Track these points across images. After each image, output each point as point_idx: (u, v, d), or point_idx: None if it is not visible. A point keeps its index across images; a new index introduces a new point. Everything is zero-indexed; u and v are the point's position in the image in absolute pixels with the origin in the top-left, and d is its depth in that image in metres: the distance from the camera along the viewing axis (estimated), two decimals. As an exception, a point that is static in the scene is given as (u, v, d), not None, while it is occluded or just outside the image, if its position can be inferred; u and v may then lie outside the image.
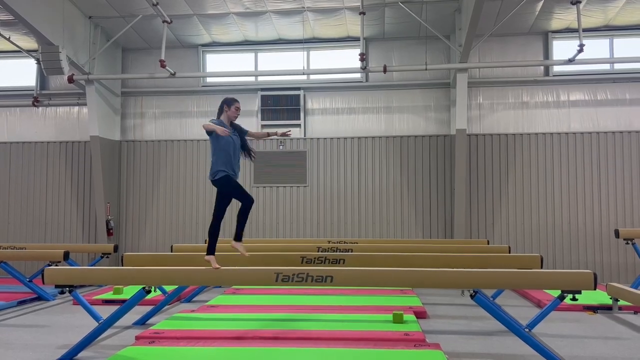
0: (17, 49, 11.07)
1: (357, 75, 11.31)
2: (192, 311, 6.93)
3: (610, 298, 7.25)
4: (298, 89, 11.43)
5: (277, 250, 7.19)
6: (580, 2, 9.37)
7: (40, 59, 9.73)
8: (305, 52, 11.51)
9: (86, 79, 10.67)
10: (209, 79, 11.88)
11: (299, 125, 11.40)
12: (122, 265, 6.57)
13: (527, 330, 5.49)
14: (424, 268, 5.44)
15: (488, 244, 9.02)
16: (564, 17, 10.40)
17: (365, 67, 10.30)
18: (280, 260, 6.33)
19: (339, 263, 6.42)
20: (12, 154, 12.02)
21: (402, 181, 11.11)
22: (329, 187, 11.28)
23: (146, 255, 7.17)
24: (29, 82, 12.08)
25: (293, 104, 11.37)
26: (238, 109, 5.69)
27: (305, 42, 11.36)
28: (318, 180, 11.31)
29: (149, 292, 5.57)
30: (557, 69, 10.99)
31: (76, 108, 12.00)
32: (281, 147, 11.37)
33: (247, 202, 5.53)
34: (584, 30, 9.97)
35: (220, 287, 9.37)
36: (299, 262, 6.44)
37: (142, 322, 6.70)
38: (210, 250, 5.50)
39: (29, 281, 8.87)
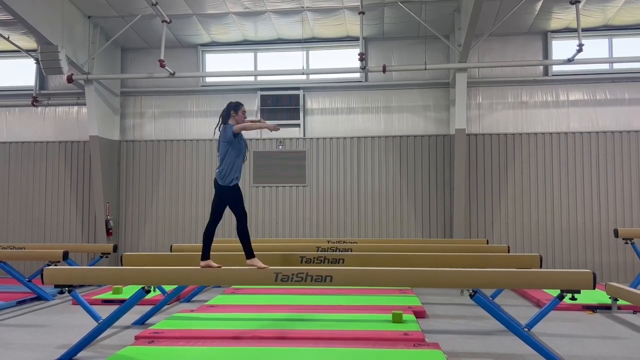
0: (16, 48, 11.06)
1: (357, 75, 11.31)
2: (192, 311, 6.93)
3: (610, 297, 7.27)
4: (297, 88, 11.43)
5: (277, 250, 7.18)
6: (579, 2, 9.37)
7: (40, 59, 9.73)
8: (305, 52, 11.51)
9: (85, 78, 10.67)
10: (208, 79, 11.88)
11: (298, 125, 11.41)
12: (122, 265, 6.57)
13: (526, 329, 5.49)
14: (424, 268, 5.45)
15: (487, 243, 9.02)
16: (563, 17, 10.41)
17: (364, 67, 10.30)
18: (279, 260, 6.34)
19: (338, 263, 6.42)
20: (12, 154, 12.01)
21: (402, 181, 11.11)
22: (328, 187, 11.28)
23: (145, 255, 7.18)
24: (28, 82, 12.07)
25: (292, 104, 11.37)
26: (245, 112, 5.60)
27: (304, 42, 11.36)
28: (317, 180, 11.31)
29: (148, 291, 5.58)
30: (556, 68, 10.99)
31: (75, 108, 12.00)
32: (280, 147, 11.37)
33: (244, 218, 5.37)
34: (583, 30, 9.98)
35: (219, 286, 9.37)
36: (298, 261, 6.45)
37: (141, 322, 6.70)
38: (205, 255, 5.43)
39: (29, 281, 8.87)
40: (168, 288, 7.84)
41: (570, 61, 9.77)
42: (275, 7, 10.27)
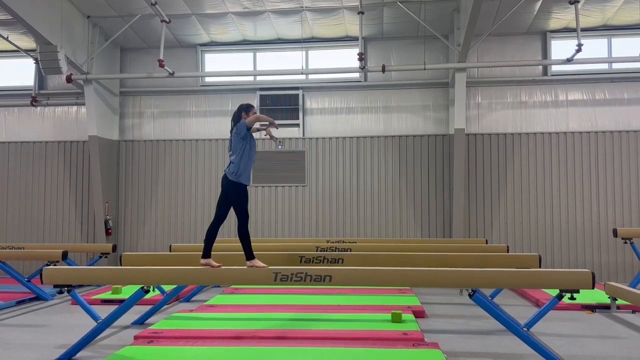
0: (15, 48, 11.05)
1: (356, 75, 11.31)
2: (191, 311, 6.93)
3: (609, 297, 7.27)
4: (297, 88, 11.43)
5: (276, 250, 7.18)
6: (578, 2, 9.37)
7: (39, 59, 9.73)
8: (304, 52, 11.51)
9: (84, 78, 10.67)
10: (207, 79, 11.88)
11: (297, 125, 11.41)
12: (121, 265, 6.57)
13: (525, 329, 5.50)
14: (423, 267, 5.44)
15: (486, 243, 9.02)
16: (562, 17, 10.41)
17: (363, 67, 10.30)
18: (279, 259, 6.33)
19: (337, 262, 6.42)
20: (11, 154, 12.01)
21: (401, 181, 11.12)
22: (327, 187, 11.28)
23: (145, 255, 7.18)
24: (27, 81, 12.06)
25: (292, 104, 11.37)
26: (256, 114, 5.64)
27: (304, 42, 11.35)
28: (317, 180, 11.32)
29: (147, 291, 5.57)
30: (555, 68, 11.00)
31: (74, 108, 11.99)
32: (280, 147, 11.37)
33: (246, 219, 5.39)
34: (582, 29, 9.99)
35: (218, 286, 9.37)
36: (297, 261, 6.45)
37: (140, 321, 6.70)
38: (207, 254, 5.44)
39: (28, 281, 8.86)
40: (167, 288, 7.84)
41: (569, 61, 9.78)
42: (274, 7, 10.27)
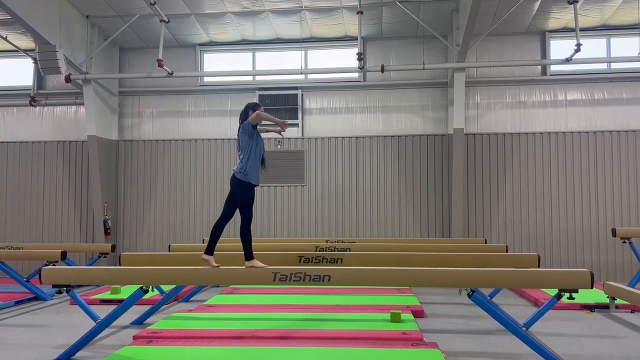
0: (14, 48, 11.04)
1: (355, 75, 11.31)
2: (190, 311, 6.93)
3: (607, 297, 7.25)
4: (296, 88, 11.43)
5: (275, 250, 7.18)
6: (577, 2, 9.39)
7: (38, 59, 9.72)
8: (303, 52, 11.50)
9: (83, 78, 10.66)
10: (206, 79, 11.87)
11: (296, 125, 11.41)
12: (120, 265, 6.57)
13: (524, 329, 5.50)
14: (422, 267, 5.44)
15: (485, 243, 9.03)
16: (561, 17, 10.42)
17: (363, 67, 10.31)
18: (278, 259, 6.33)
19: (336, 262, 6.42)
20: (9, 154, 11.99)
21: (400, 181, 11.12)
22: (326, 187, 11.28)
23: (144, 255, 7.17)
24: (26, 81, 12.05)
25: (291, 104, 11.37)
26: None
27: (303, 42, 11.35)
28: (316, 179, 11.32)
29: (146, 291, 5.57)
30: (554, 68, 11.00)
31: (73, 107, 11.98)
32: (279, 146, 11.37)
33: (249, 219, 5.39)
34: (581, 29, 10.00)
35: (218, 286, 9.37)
36: (296, 261, 6.45)
37: (139, 321, 6.69)
38: (210, 250, 5.47)
39: (27, 281, 8.86)
40: (166, 288, 7.83)
41: (568, 61, 9.79)
42: (273, 6, 10.27)
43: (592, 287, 4.87)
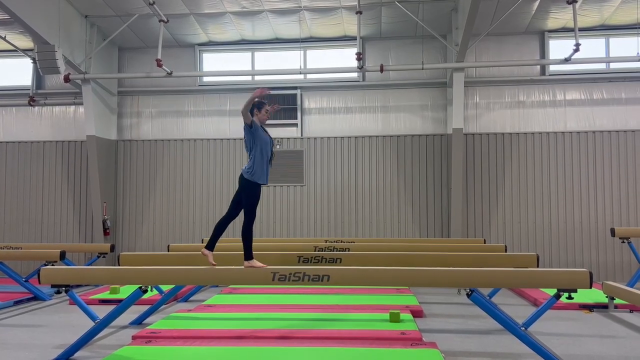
0: (12, 48, 11.04)
1: (354, 75, 11.31)
2: (189, 311, 6.93)
3: (606, 297, 7.28)
4: (295, 88, 11.43)
5: (274, 250, 7.18)
6: (576, 2, 9.39)
7: (36, 58, 9.70)
8: (302, 52, 11.50)
9: (82, 78, 10.65)
10: (205, 79, 11.87)
11: (295, 125, 11.40)
12: (119, 265, 6.56)
13: (523, 329, 5.49)
14: (421, 267, 5.45)
15: (484, 243, 9.04)
16: (560, 17, 10.43)
17: (362, 67, 10.30)
18: (277, 259, 6.34)
19: (335, 262, 6.42)
20: (8, 154, 11.98)
21: (399, 180, 11.12)
22: (326, 187, 11.28)
23: (143, 255, 7.17)
24: (25, 81, 12.03)
25: (290, 104, 11.37)
26: (268, 111, 5.63)
27: (302, 42, 11.34)
28: (315, 179, 11.31)
29: (145, 291, 5.57)
30: (553, 68, 11.01)
31: (72, 107, 11.97)
32: (278, 146, 11.36)
33: (252, 219, 5.39)
34: (580, 29, 9.99)
35: (217, 286, 9.37)
36: (295, 261, 6.45)
37: (138, 321, 6.69)
38: (211, 245, 5.49)
39: (25, 281, 8.84)
40: (165, 288, 7.83)
41: (567, 61, 9.79)
42: (272, 6, 10.27)
43: (591, 287, 4.87)
